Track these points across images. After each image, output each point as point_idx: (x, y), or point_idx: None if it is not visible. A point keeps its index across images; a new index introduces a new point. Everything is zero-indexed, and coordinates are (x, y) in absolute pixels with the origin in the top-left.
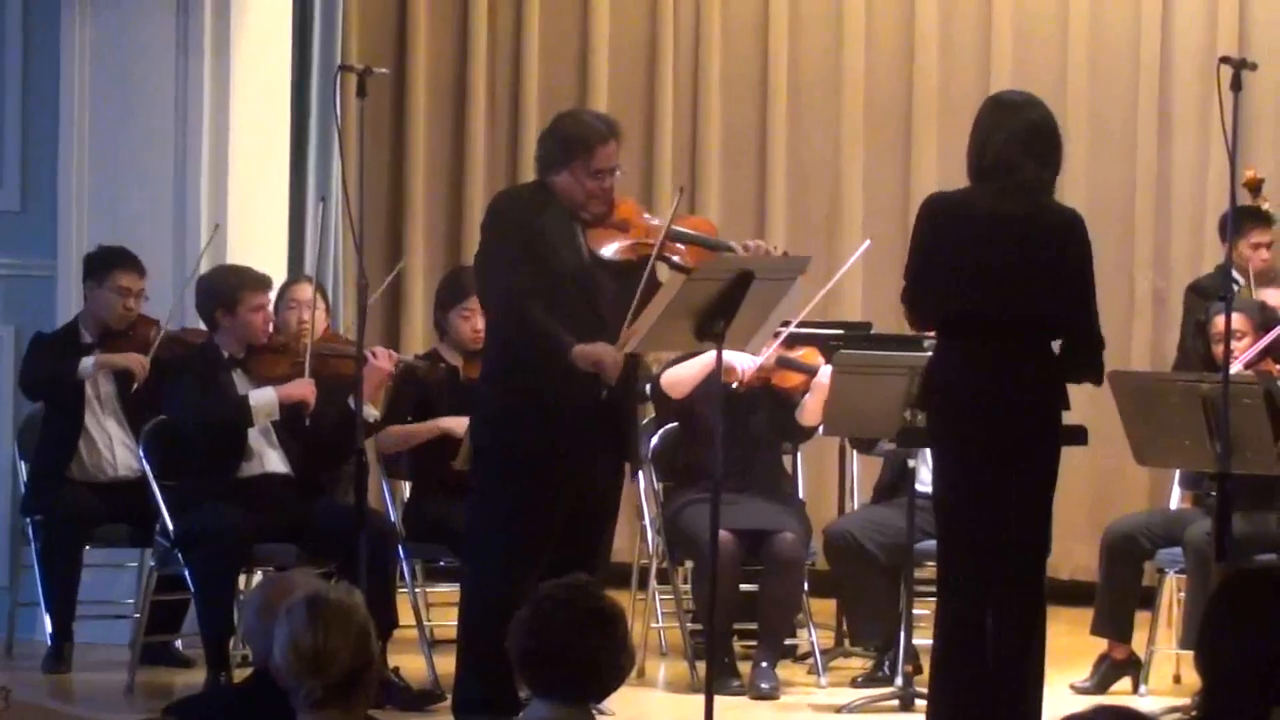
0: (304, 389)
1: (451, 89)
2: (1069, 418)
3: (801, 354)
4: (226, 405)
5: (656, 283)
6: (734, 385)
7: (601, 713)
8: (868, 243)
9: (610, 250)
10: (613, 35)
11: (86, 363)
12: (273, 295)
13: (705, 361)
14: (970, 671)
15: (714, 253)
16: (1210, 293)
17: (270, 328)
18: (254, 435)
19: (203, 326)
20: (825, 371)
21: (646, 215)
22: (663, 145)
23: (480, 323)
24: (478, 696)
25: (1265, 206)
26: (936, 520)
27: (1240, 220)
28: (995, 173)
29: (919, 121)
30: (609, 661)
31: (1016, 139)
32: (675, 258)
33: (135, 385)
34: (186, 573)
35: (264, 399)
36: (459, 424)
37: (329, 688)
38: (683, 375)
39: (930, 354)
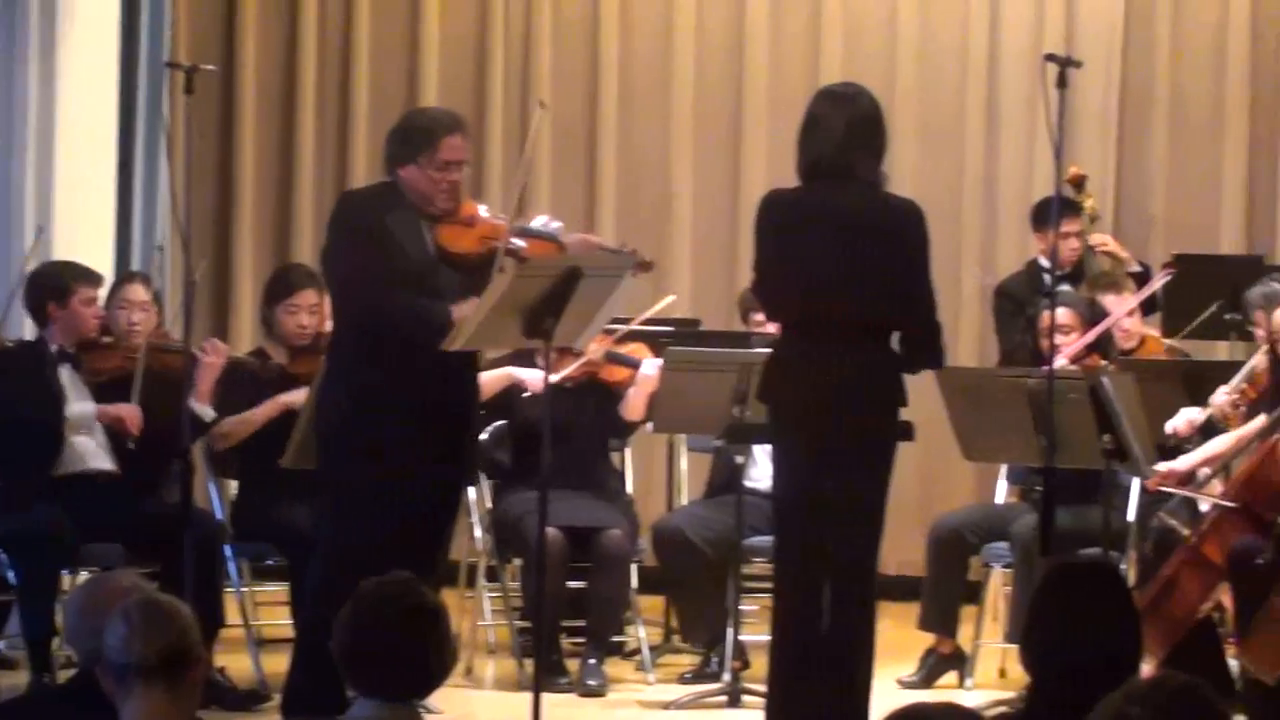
0: (128, 411)
1: (280, 86)
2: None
3: (629, 349)
4: (38, 405)
5: None
6: (525, 394)
7: (428, 710)
8: (672, 297)
9: (458, 245)
10: (442, 33)
11: None
12: (103, 293)
13: (497, 375)
14: (805, 666)
15: (555, 245)
16: (1016, 294)
17: (100, 324)
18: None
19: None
20: (649, 364)
21: (490, 213)
22: (493, 143)
23: (305, 319)
24: (306, 696)
25: (1088, 203)
26: (774, 515)
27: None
28: (831, 168)
29: (748, 118)
30: (432, 658)
31: (851, 132)
32: (520, 245)
33: None
34: (10, 573)
35: (81, 411)
36: (296, 397)
37: (161, 657)
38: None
39: (768, 349)
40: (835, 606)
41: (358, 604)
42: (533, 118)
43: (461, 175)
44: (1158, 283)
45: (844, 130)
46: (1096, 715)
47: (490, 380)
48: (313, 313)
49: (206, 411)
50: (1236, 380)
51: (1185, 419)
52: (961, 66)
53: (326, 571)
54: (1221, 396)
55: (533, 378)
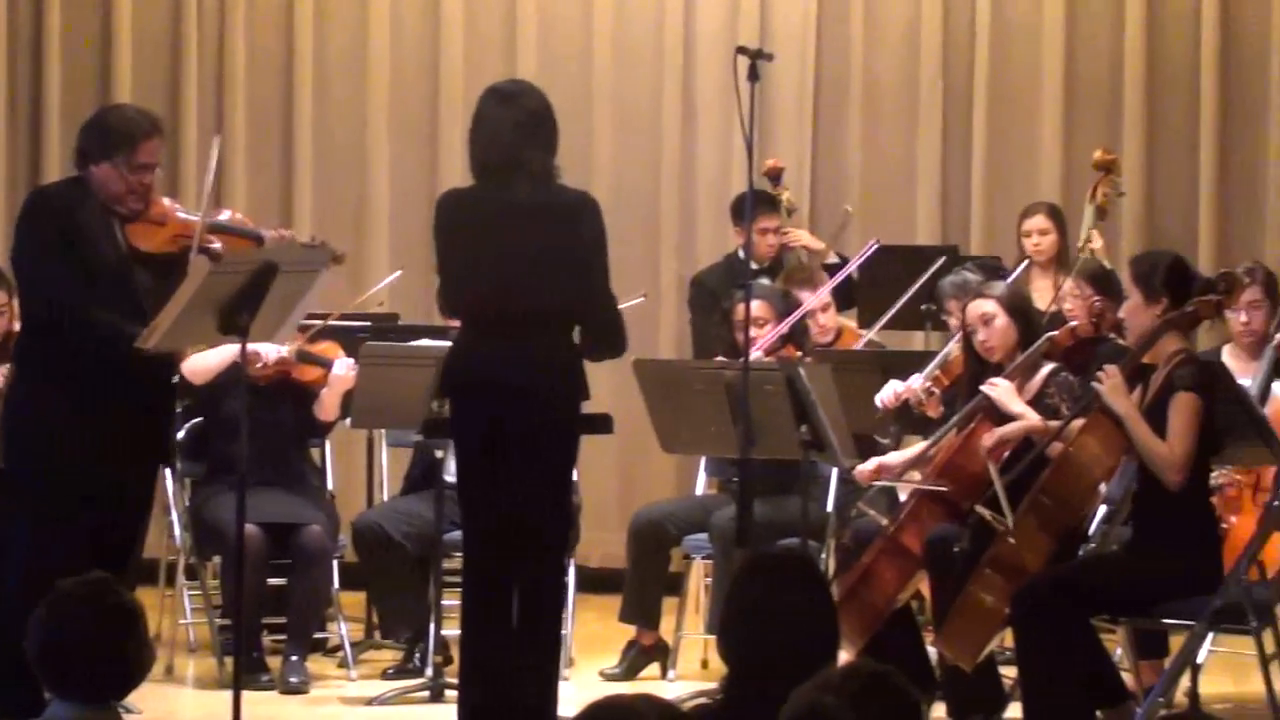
0: None
1: None
2: (595, 406)
3: (321, 348)
4: None
5: None
6: (259, 365)
7: (128, 710)
8: (398, 273)
9: (149, 244)
10: (135, 25)
11: None
12: None
13: (228, 349)
14: (494, 659)
15: (250, 241)
16: (712, 285)
17: None
18: None
19: None
20: (340, 364)
21: (181, 210)
22: (187, 137)
23: None
24: (2, 699)
25: (785, 196)
26: (460, 510)
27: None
28: (501, 164)
29: (444, 112)
30: (129, 657)
31: (521, 129)
32: (214, 247)
33: None
34: None
35: None
36: None
37: None
38: (205, 364)
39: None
40: (522, 600)
41: (52, 604)
42: (212, 147)
43: (153, 177)
44: (855, 263)
45: (511, 127)
46: (790, 705)
47: None
48: (0, 313)
49: None
50: (930, 368)
51: (891, 391)
52: (657, 58)
53: (19, 572)
54: (917, 382)
55: None
